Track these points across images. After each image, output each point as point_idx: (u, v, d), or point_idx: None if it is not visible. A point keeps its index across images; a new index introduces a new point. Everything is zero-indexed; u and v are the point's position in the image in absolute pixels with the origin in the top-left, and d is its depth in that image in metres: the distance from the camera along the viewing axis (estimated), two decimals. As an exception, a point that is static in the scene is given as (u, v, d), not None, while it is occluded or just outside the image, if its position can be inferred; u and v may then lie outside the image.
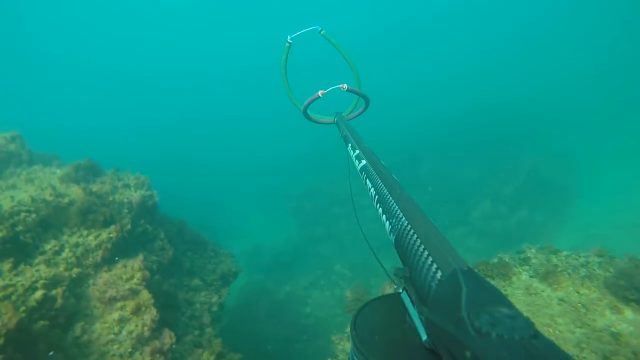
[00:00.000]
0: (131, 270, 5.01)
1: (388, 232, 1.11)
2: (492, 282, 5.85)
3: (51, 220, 5.16)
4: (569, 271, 5.36)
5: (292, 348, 12.35)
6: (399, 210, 1.07)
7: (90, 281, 4.75)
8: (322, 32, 3.25)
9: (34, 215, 4.88)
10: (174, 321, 5.64)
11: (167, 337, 4.53)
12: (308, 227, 20.48)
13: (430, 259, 0.82)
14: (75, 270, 4.64)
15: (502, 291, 4.49)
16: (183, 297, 6.13)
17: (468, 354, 0.56)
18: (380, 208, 1.21)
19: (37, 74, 40.44)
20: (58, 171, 6.89)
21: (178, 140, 31.97)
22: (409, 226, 0.98)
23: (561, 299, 5.07)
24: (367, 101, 2.86)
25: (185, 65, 42.20)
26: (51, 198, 5.33)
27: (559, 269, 5.46)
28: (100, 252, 4.96)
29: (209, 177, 26.59)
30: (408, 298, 0.91)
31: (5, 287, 3.92)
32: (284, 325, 13.16)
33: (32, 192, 5.65)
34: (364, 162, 1.63)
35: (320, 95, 2.56)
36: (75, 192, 5.84)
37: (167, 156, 28.09)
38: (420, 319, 0.82)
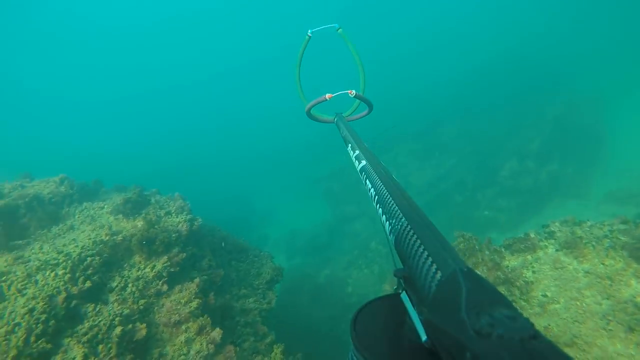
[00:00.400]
0: (188, 294, 5.64)
1: (388, 233, 1.12)
2: (521, 257, 6.15)
3: (111, 259, 5.83)
4: (593, 243, 5.57)
5: (339, 327, 12.97)
6: (399, 211, 1.08)
7: (155, 309, 5.41)
8: (339, 30, 3.46)
9: (97, 258, 5.54)
10: (232, 330, 6.29)
11: (231, 351, 5.15)
12: (339, 206, 20.89)
13: (430, 259, 0.83)
14: (142, 302, 5.30)
15: (530, 267, 4.85)
16: (235, 306, 6.76)
17: (468, 354, 0.56)
18: (380, 209, 1.22)
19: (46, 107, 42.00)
20: (105, 206, 7.57)
21: (194, 145, 32.66)
22: (409, 227, 0.98)
23: (587, 272, 5.32)
24: (370, 108, 2.94)
25: (183, 73, 42.63)
26: (107, 238, 5.99)
27: (584, 241, 5.67)
28: (159, 282, 5.60)
29: (234, 176, 27.28)
30: (408, 298, 0.93)
31: (92, 328, 4.60)
32: (329, 307, 13.76)
33: (90, 233, 6.33)
34: (363, 162, 1.64)
35: (328, 99, 2.56)
36: (126, 226, 6.49)
37: (189, 162, 28.85)
38: (420, 319, 0.84)
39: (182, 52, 43.63)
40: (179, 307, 5.39)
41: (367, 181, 1.47)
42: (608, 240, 5.49)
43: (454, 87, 24.33)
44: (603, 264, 5.28)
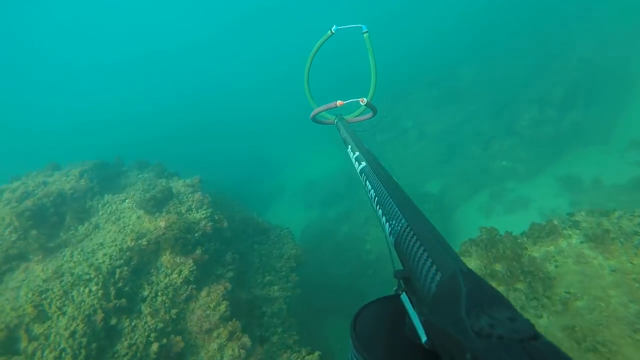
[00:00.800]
0: (216, 297, 5.85)
1: (388, 234, 1.13)
2: (543, 249, 6.12)
3: (138, 265, 6.00)
4: (622, 239, 5.45)
5: (359, 283, 13.47)
6: (399, 212, 1.08)
7: (187, 315, 5.66)
8: (365, 33, 3.29)
9: (126, 268, 5.72)
10: (259, 320, 6.59)
11: (261, 353, 5.44)
12: (355, 158, 20.71)
13: (430, 260, 0.83)
14: (173, 311, 5.54)
15: (553, 261, 4.84)
16: (261, 295, 7.02)
17: (468, 355, 0.56)
18: (380, 210, 1.22)
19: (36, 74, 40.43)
20: (127, 200, 7.65)
21: (206, 102, 31.57)
22: (409, 228, 0.99)
23: (613, 269, 5.27)
24: (375, 113, 3.00)
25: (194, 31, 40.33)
26: (132, 243, 6.12)
27: (611, 236, 5.55)
28: (188, 288, 5.80)
29: (247, 129, 26.81)
30: (408, 299, 0.93)
31: (130, 346, 4.87)
32: (349, 264, 14.20)
33: (116, 236, 6.48)
34: (363, 164, 1.64)
35: (339, 105, 2.61)
36: (149, 227, 6.60)
37: (201, 118, 28.15)
38: (420, 320, 0.84)
39: (190, 8, 41.29)
40: (208, 312, 5.63)
41: (367, 182, 1.46)
42: (638, 237, 5.36)
43: (470, 28, 22.78)
44: (631, 262, 5.20)
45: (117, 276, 5.56)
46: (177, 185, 8.26)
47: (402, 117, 20.17)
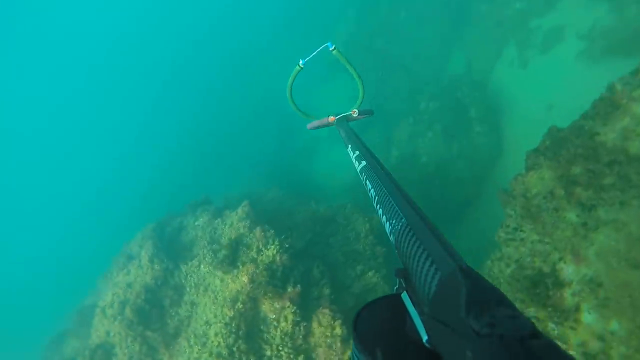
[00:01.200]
0: (327, 323, 6.10)
1: (388, 233, 1.15)
2: (618, 125, 5.53)
3: (248, 330, 6.36)
4: None
5: (429, 199, 13.17)
6: (399, 211, 1.09)
7: (312, 354, 6.01)
8: (334, 50, 2.99)
9: (240, 341, 6.09)
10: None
11: None
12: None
13: (430, 259, 0.85)
14: (300, 357, 5.90)
15: (636, 136, 4.42)
16: (361, 290, 7.23)
17: (468, 354, 0.58)
18: (381, 209, 1.24)
19: None
20: (202, 266, 7.95)
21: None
22: (409, 227, 1.00)
23: None
24: (371, 113, 3.10)
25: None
26: (232, 313, 6.44)
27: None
28: (299, 328, 6.10)
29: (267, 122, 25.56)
30: (408, 299, 0.95)
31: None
32: (412, 185, 13.94)
33: (214, 310, 6.85)
34: (364, 163, 1.65)
35: (331, 121, 2.81)
36: (235, 287, 6.86)
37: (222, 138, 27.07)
38: (421, 319, 0.86)
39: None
40: (329, 340, 5.92)
41: (367, 182, 1.49)
42: None
43: None
44: None
45: (236, 352, 5.97)
46: (233, 221, 8.34)
47: (392, 8, 18.51)
